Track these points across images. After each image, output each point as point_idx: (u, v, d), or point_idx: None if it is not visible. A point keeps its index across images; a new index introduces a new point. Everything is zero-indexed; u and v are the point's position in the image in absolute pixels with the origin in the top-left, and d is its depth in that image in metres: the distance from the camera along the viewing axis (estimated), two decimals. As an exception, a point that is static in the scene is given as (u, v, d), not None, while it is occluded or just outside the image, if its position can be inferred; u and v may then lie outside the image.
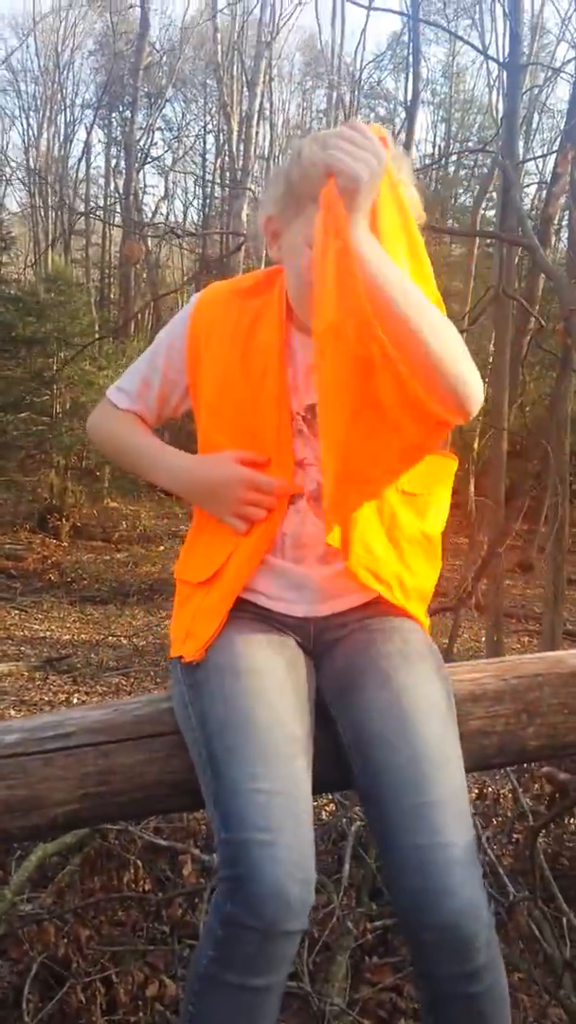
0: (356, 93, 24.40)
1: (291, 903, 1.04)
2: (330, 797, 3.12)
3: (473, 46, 16.48)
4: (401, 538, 1.36)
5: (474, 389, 1.21)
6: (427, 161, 20.40)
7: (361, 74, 24.51)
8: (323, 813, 3.20)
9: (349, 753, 1.23)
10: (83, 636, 10.46)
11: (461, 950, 1.09)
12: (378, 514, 1.33)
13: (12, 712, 6.75)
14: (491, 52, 17.90)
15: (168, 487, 1.42)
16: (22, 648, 9.53)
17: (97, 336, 16.35)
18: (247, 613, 1.33)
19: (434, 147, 26.57)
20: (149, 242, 20.67)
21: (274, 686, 1.21)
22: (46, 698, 7.47)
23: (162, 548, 15.72)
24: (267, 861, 1.04)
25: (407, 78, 21.26)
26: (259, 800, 1.08)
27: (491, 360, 8.25)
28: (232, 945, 1.06)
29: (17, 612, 11.75)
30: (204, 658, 1.26)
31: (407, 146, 13.72)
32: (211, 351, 1.38)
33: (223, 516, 1.34)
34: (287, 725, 1.17)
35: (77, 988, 2.16)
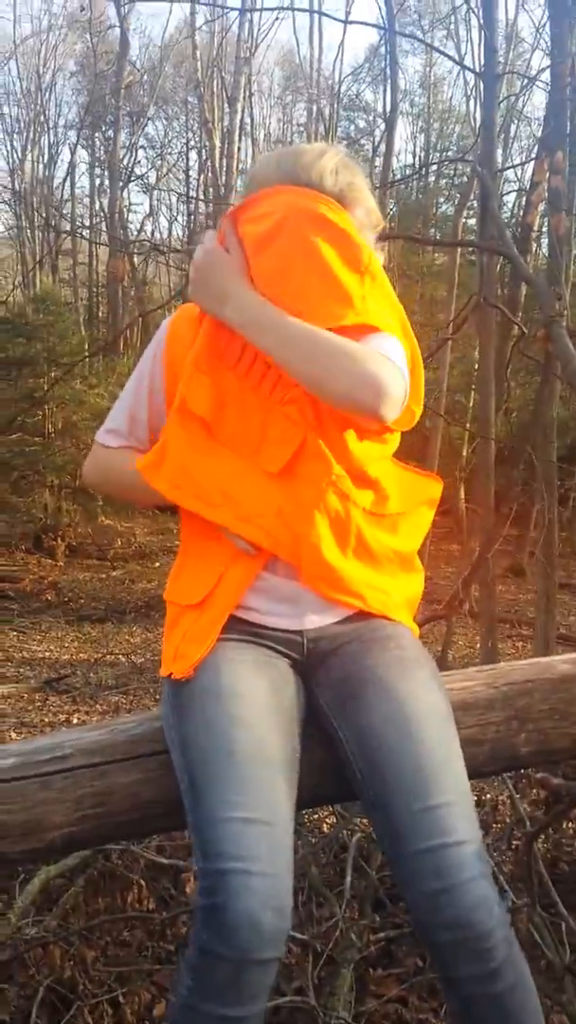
0: (335, 106, 24.58)
1: (263, 932, 1.05)
2: (330, 809, 3.13)
3: (449, 57, 16.63)
4: (369, 554, 1.38)
5: (373, 396, 1.21)
6: (407, 171, 20.54)
7: (340, 87, 24.71)
8: (324, 826, 3.21)
9: (353, 761, 1.24)
10: (81, 655, 10.44)
11: (478, 948, 1.11)
12: (337, 534, 1.34)
13: (13, 734, 6.73)
14: (467, 62, 18.09)
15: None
16: (21, 669, 9.50)
17: (87, 354, 16.36)
18: (236, 633, 1.33)
19: (414, 157, 26.72)
20: (135, 259, 20.71)
21: (256, 710, 1.22)
22: (46, 719, 7.44)
23: (158, 564, 15.70)
24: (241, 891, 1.05)
25: (385, 90, 21.42)
26: (235, 829, 1.09)
27: (476, 368, 8.29)
28: (207, 974, 1.07)
29: (15, 633, 11.72)
30: (189, 680, 1.27)
31: (387, 157, 13.82)
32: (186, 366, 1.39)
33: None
34: (268, 751, 1.18)
35: (84, 1011, 2.16)
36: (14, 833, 1.19)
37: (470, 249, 14.30)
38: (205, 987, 1.07)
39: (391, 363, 1.25)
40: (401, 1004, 2.24)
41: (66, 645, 11.10)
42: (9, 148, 28.13)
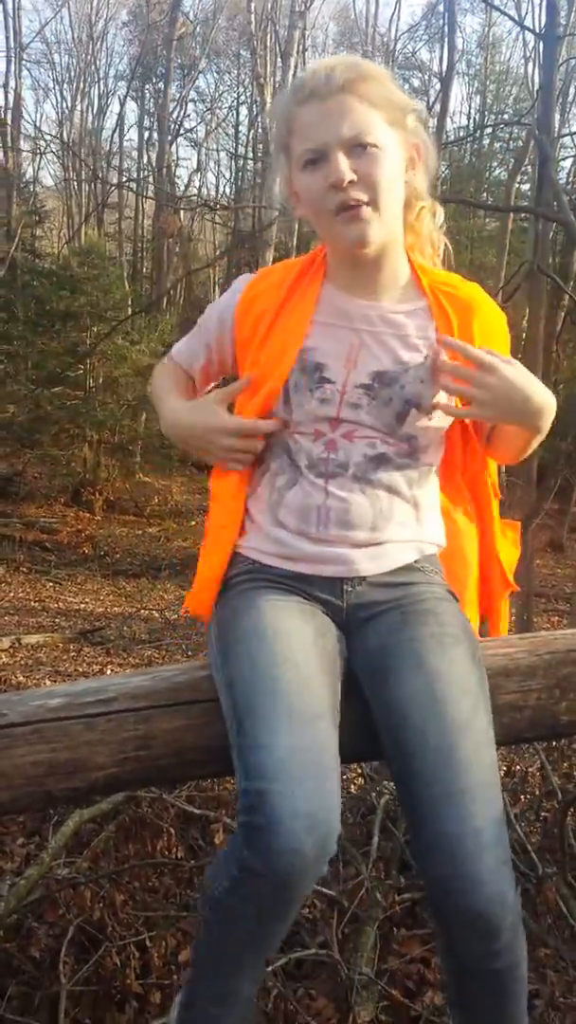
0: (390, 63, 24.07)
1: (307, 856, 1.04)
2: (359, 771, 3.15)
3: (509, 16, 16.05)
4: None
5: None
6: (461, 133, 20.10)
7: (396, 44, 24.22)
8: (352, 787, 3.23)
9: (381, 734, 1.23)
10: (116, 609, 10.58)
11: (487, 934, 1.10)
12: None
13: (48, 682, 6.85)
14: (527, 22, 17.57)
15: (166, 432, 1.48)
16: (57, 620, 9.66)
17: (131, 312, 16.36)
18: (281, 585, 1.33)
19: (469, 119, 26.21)
20: (182, 215, 20.60)
21: (301, 649, 1.22)
22: (80, 669, 7.56)
23: (193, 523, 15.79)
24: (285, 814, 1.03)
25: (442, 49, 20.96)
26: (281, 754, 1.08)
27: (524, 337, 8.17)
28: (246, 887, 1.07)
29: (52, 584, 11.91)
30: (235, 622, 1.27)
31: (441, 117, 13.54)
32: (252, 325, 1.39)
33: (211, 461, 1.42)
34: (313, 687, 1.18)
35: (112, 951, 2.21)
36: (59, 771, 1.21)
37: (522, 215, 14.02)
38: (243, 896, 1.08)
39: None
40: (423, 964, 2.26)
41: (101, 598, 11.25)
42: (59, 98, 28.03)
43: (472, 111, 26.81)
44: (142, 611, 10.41)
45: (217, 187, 29.41)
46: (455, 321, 1.34)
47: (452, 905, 1.10)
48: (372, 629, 1.32)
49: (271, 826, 1.03)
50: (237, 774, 1.12)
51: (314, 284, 1.38)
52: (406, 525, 1.37)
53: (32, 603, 10.66)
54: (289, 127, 1.28)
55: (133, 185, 22.47)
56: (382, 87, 1.27)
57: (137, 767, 1.25)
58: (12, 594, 11.15)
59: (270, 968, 1.99)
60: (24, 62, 24.95)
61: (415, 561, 1.38)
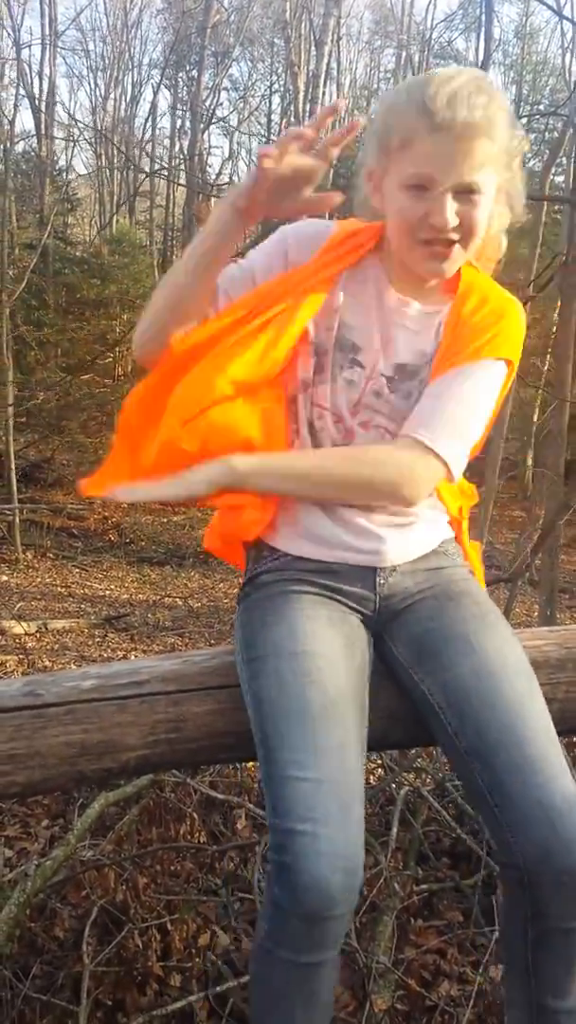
0: (426, 53, 23.92)
1: (333, 894, 1.07)
2: (379, 761, 3.16)
3: (548, 6, 15.89)
4: None
5: (412, 485, 1.28)
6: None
7: (431, 34, 24.00)
8: (371, 778, 3.24)
9: (442, 714, 1.25)
10: (140, 596, 10.64)
11: None
12: None
13: (73, 666, 6.92)
14: (566, 12, 17.34)
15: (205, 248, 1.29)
16: (82, 605, 9.73)
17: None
18: (311, 586, 1.34)
19: (505, 109, 25.87)
20: (213, 203, 20.57)
21: (329, 669, 1.22)
22: (105, 655, 7.61)
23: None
24: (310, 854, 1.07)
25: (479, 38, 20.74)
26: (305, 788, 1.10)
27: (555, 330, 8.10)
28: (280, 925, 1.11)
29: (78, 570, 12.00)
30: (262, 634, 1.28)
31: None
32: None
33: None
34: (340, 709, 1.19)
35: (135, 933, 2.23)
36: (91, 752, 1.23)
37: (556, 207, 13.87)
38: (279, 935, 1.11)
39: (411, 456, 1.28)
40: (439, 955, 2.27)
41: (126, 585, 11.31)
42: (92, 86, 28.05)
43: (508, 101, 26.53)
44: (166, 599, 10.45)
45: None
46: (465, 311, 1.32)
47: (551, 867, 1.12)
48: (411, 616, 1.35)
49: (296, 865, 1.07)
50: (267, 805, 1.15)
51: (369, 262, 1.37)
52: (421, 514, 1.40)
53: (59, 588, 10.76)
54: (404, 139, 1.22)
55: (165, 172, 22.47)
56: (506, 132, 1.24)
57: (167, 749, 1.26)
58: (39, 579, 11.25)
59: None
60: (59, 49, 25.01)
61: (439, 545, 1.42)
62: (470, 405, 1.29)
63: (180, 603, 10.31)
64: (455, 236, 1.24)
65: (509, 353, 1.31)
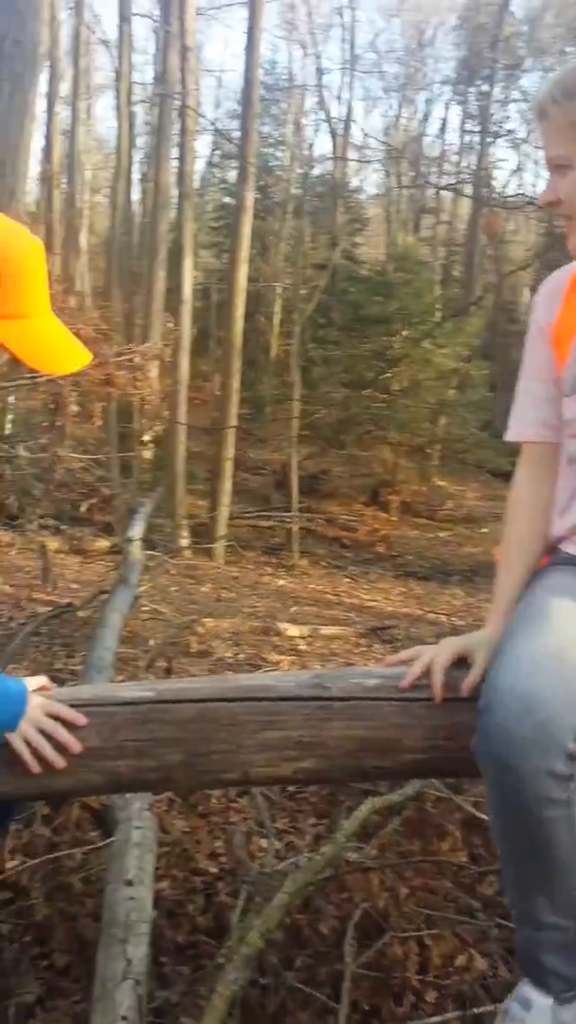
0: None
1: (521, 738, 1.06)
2: None
3: None
4: None
5: None
6: None
7: None
8: None
9: None
10: (404, 609, 10.65)
11: None
12: None
13: (338, 673, 7.06)
14: None
15: None
16: (350, 614, 9.90)
17: (439, 317, 16.38)
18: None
19: None
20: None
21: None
22: (369, 664, 7.69)
23: (485, 530, 15.52)
24: (504, 694, 1.09)
25: None
26: (517, 653, 1.13)
27: None
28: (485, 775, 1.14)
29: (347, 580, 12.28)
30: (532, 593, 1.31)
31: None
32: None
33: None
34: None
35: (396, 942, 2.23)
36: (371, 748, 1.25)
37: None
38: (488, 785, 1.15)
39: None
40: None
41: (391, 597, 11.38)
42: (386, 107, 28.66)
43: None
44: (430, 614, 10.38)
45: (534, 187, 28.55)
46: None
47: None
48: None
49: (488, 706, 1.09)
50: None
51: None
52: None
53: (329, 596, 11.04)
54: None
55: (453, 185, 22.47)
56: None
57: (444, 756, 1.26)
58: (312, 586, 11.62)
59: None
60: (355, 72, 25.81)
61: None
62: None
63: (444, 619, 10.20)
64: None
65: None
